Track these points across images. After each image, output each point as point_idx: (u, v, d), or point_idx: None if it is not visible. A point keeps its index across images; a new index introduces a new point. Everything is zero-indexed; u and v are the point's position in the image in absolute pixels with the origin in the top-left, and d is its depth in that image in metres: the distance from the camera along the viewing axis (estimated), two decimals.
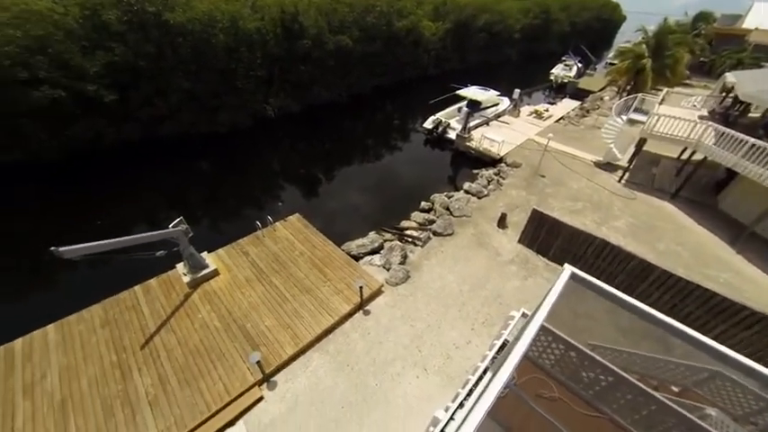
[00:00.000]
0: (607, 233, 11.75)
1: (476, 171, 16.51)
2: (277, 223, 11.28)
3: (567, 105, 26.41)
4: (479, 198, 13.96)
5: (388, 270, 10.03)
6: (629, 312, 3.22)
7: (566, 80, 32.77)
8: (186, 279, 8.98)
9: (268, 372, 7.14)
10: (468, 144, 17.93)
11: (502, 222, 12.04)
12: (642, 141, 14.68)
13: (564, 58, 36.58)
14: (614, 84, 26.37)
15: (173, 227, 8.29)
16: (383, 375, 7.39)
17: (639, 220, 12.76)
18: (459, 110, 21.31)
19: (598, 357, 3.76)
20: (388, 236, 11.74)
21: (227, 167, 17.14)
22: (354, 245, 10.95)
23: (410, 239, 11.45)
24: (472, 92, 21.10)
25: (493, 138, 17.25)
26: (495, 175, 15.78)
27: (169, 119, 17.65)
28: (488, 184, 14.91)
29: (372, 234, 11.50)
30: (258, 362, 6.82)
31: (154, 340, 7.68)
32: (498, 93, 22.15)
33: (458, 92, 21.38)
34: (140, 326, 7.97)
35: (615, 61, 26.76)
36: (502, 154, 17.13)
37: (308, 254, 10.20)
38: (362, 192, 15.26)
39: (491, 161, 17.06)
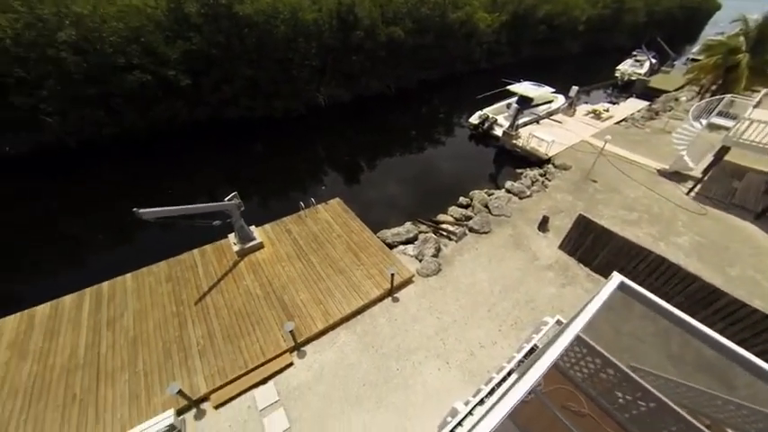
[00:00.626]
0: (665, 249, 10.64)
1: (520, 170, 15.78)
2: (319, 205, 11.92)
3: (633, 106, 23.77)
4: (521, 198, 13.39)
5: (420, 261, 10.17)
6: (687, 335, 2.80)
7: (633, 77, 29.29)
8: (235, 248, 9.96)
9: (299, 341, 7.74)
10: (514, 142, 17.15)
11: (543, 226, 11.47)
12: (724, 150, 12.86)
13: (635, 53, 32.56)
14: (696, 83, 22.95)
15: (228, 200, 9.24)
16: (405, 362, 7.61)
17: (708, 239, 11.32)
18: (509, 106, 20.34)
19: (640, 380, 3.46)
20: (423, 227, 11.81)
21: (278, 150, 18.34)
22: (390, 233, 11.22)
23: (445, 233, 11.41)
24: (524, 88, 19.94)
25: (542, 137, 16.28)
26: (541, 175, 14.95)
27: (232, 103, 19.28)
28: (532, 185, 14.19)
29: (408, 224, 11.66)
30: (291, 331, 7.41)
31: (206, 299, 8.71)
32: (553, 89, 20.70)
33: (509, 87, 20.32)
34: (196, 285, 9.06)
35: (700, 57, 23.29)
36: (550, 154, 16.13)
37: (345, 237, 10.69)
38: (402, 182, 15.44)
39: (537, 161, 16.15)
